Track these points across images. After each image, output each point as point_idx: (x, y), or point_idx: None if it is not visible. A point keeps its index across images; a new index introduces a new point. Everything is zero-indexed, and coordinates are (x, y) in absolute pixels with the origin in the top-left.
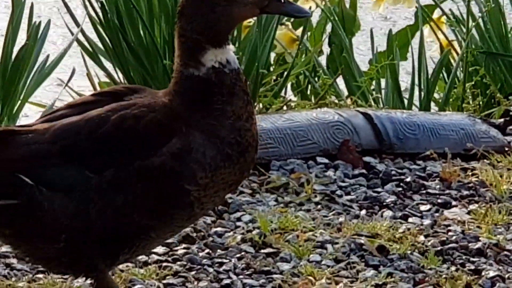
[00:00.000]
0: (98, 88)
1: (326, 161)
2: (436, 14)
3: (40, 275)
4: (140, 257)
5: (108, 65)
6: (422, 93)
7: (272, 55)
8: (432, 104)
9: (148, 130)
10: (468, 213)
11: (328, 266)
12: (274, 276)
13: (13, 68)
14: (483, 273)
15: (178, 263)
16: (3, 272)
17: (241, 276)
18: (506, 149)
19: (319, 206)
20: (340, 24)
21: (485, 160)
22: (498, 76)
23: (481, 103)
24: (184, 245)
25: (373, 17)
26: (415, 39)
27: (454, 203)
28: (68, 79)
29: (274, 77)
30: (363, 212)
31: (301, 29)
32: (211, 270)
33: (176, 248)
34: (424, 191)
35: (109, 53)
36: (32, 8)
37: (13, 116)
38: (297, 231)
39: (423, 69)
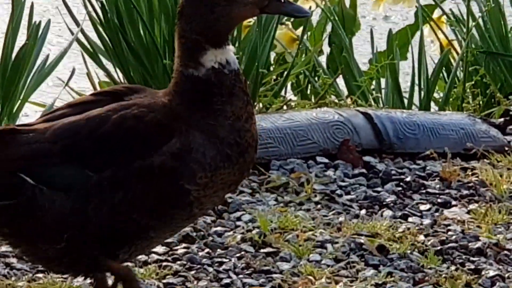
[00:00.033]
0: (98, 88)
1: (326, 160)
2: (436, 13)
3: (40, 275)
4: (139, 256)
5: (108, 64)
6: (422, 93)
7: (272, 54)
8: (432, 103)
9: (148, 130)
10: (468, 212)
11: (328, 266)
12: (274, 275)
13: (13, 67)
14: (483, 273)
15: (178, 262)
16: (3, 271)
17: (241, 276)
18: (506, 148)
19: (319, 206)
20: (340, 24)
21: (485, 160)
22: (498, 76)
23: (481, 102)
24: (184, 245)
25: (374, 16)
26: (415, 39)
27: (454, 202)
28: (68, 78)
29: (274, 77)
30: (363, 211)
31: (301, 28)
32: (211, 269)
33: (176, 248)
34: (424, 191)
35: (109, 52)
36: (32, 7)
37: (13, 115)
38: (297, 231)
39: (423, 68)
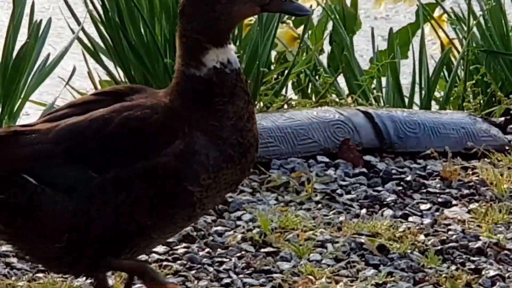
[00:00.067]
0: (99, 87)
1: (327, 160)
2: (437, 12)
3: (40, 274)
4: (140, 256)
5: (109, 63)
6: (423, 92)
7: (273, 53)
8: (433, 102)
9: (152, 131)
10: (469, 212)
11: (328, 265)
12: (274, 275)
13: (14, 66)
14: (483, 272)
15: (178, 262)
16: (3, 271)
17: (241, 275)
18: (507, 148)
19: (319, 205)
20: (341, 23)
21: (485, 159)
22: (499, 75)
23: (481, 101)
24: (184, 244)
25: (375, 16)
26: (416, 38)
27: (454, 202)
28: (69, 77)
29: (275, 76)
30: (364, 211)
31: (302, 27)
32: (211, 269)
33: (176, 247)
34: (424, 190)
35: (110, 51)
36: (33, 6)
37: (13, 114)
38: (298, 230)
39: (424, 67)
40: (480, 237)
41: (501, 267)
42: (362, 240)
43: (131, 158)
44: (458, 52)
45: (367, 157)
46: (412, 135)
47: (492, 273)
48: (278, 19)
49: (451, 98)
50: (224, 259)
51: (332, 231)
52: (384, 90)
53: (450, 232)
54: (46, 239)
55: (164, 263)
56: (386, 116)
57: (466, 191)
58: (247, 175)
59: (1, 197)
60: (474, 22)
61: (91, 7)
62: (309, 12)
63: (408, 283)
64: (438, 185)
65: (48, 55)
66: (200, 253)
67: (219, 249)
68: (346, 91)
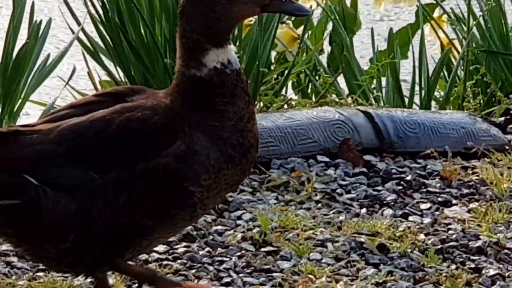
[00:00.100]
0: (99, 87)
1: (327, 159)
2: (437, 12)
3: (41, 274)
4: (140, 255)
5: (109, 63)
6: (423, 92)
7: (273, 53)
8: (433, 102)
9: (153, 132)
10: (469, 211)
11: (329, 265)
12: (275, 274)
13: (14, 66)
14: (483, 272)
15: (179, 261)
16: (4, 270)
17: (241, 275)
18: (507, 147)
19: (319, 205)
20: (341, 23)
21: (485, 159)
22: (498, 75)
23: (481, 101)
24: (184, 244)
25: (374, 15)
26: (416, 38)
27: (454, 201)
28: (69, 77)
29: (275, 76)
30: (364, 210)
31: (302, 27)
32: (211, 268)
33: (176, 247)
34: (424, 190)
35: (110, 51)
36: (33, 6)
37: (13, 114)
38: (298, 230)
39: (424, 67)
40: (480, 237)
41: (501, 266)
42: (362, 240)
43: (132, 159)
44: (458, 52)
45: (367, 157)
46: (412, 135)
47: (492, 272)
48: (278, 20)
49: (451, 98)
50: (224, 258)
51: (332, 230)
52: (384, 90)
53: (450, 232)
54: (48, 240)
55: (164, 262)
56: (386, 116)
57: (466, 191)
58: (247, 175)
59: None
60: (474, 22)
61: (91, 7)
62: (309, 13)
63: (408, 282)
64: (438, 185)
65: (48, 55)
66: (200, 252)
67: (219, 248)
68: (346, 91)
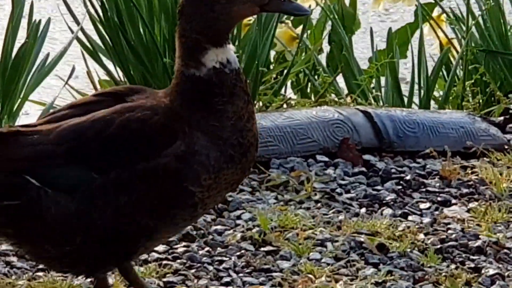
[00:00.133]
0: (98, 86)
1: (326, 159)
2: (436, 12)
3: (40, 273)
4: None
5: (108, 63)
6: (422, 91)
7: (272, 53)
8: (432, 102)
9: (153, 133)
10: (468, 211)
11: (328, 264)
12: (274, 274)
13: (13, 66)
14: (482, 271)
15: (178, 261)
16: (3, 270)
17: (241, 274)
18: (506, 147)
19: (319, 204)
20: (340, 22)
21: (484, 158)
22: (497, 74)
23: (480, 101)
24: (184, 243)
25: (373, 15)
26: (415, 37)
27: (453, 201)
28: (68, 77)
29: (274, 75)
30: (363, 210)
31: (301, 27)
32: (211, 268)
33: (176, 246)
34: (423, 189)
35: (109, 51)
36: (32, 6)
37: (13, 114)
38: (297, 229)
39: (423, 67)
40: (479, 236)
41: (500, 266)
42: (362, 239)
43: (132, 159)
44: (457, 51)
45: (366, 157)
46: (411, 135)
47: (491, 272)
48: (277, 19)
49: (450, 98)
50: (224, 258)
51: (331, 230)
52: (383, 89)
53: (449, 231)
54: (49, 240)
55: (164, 262)
56: (385, 115)
57: (465, 190)
58: (247, 175)
59: (4, 203)
60: (473, 22)
61: (90, 7)
62: (308, 12)
63: (408, 282)
64: (438, 184)
65: (48, 54)
66: (200, 252)
67: (218, 248)
68: (345, 91)
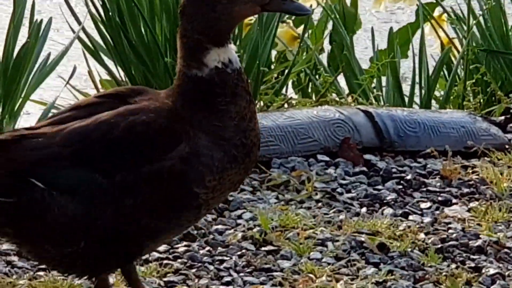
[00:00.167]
0: (99, 86)
1: (327, 158)
2: (437, 12)
3: (41, 273)
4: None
5: (109, 63)
6: (423, 91)
7: (273, 53)
8: (433, 102)
9: (158, 135)
10: (469, 210)
11: (329, 264)
12: (275, 273)
13: (14, 66)
14: (483, 271)
15: (179, 260)
16: (4, 269)
17: (241, 274)
18: (507, 146)
19: (319, 204)
20: (341, 22)
21: (485, 158)
22: (498, 74)
23: (481, 101)
24: (185, 243)
25: (374, 15)
26: (416, 37)
27: (454, 200)
28: (69, 77)
29: (275, 75)
30: (364, 209)
31: (302, 27)
32: (211, 267)
33: (177, 246)
34: (424, 189)
35: (110, 51)
36: (34, 6)
37: (14, 114)
38: (298, 229)
39: (424, 67)
40: (480, 236)
41: (501, 265)
42: (363, 239)
43: (137, 162)
44: (458, 51)
45: (367, 156)
46: (412, 134)
47: (492, 271)
48: (278, 19)
49: (451, 97)
50: (225, 258)
51: (332, 229)
52: (384, 89)
53: (450, 231)
54: (52, 242)
55: (165, 261)
56: (386, 115)
57: (466, 190)
58: (249, 174)
59: (8, 200)
60: (474, 21)
61: (91, 6)
62: (309, 12)
63: (408, 282)
64: (438, 184)
65: (49, 54)
66: (201, 252)
67: (219, 248)
68: (346, 90)
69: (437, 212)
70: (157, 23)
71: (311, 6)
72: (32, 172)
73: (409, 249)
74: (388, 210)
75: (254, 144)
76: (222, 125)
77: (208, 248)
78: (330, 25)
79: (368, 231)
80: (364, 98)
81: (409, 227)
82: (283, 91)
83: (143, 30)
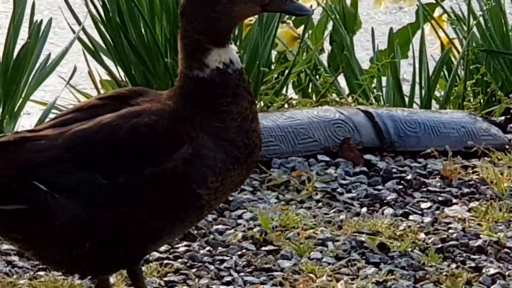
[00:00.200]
0: (99, 86)
1: (327, 159)
2: (437, 12)
3: (42, 273)
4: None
5: (109, 63)
6: (423, 91)
7: (274, 53)
8: (433, 102)
9: (161, 137)
10: (469, 210)
11: (329, 264)
12: (275, 273)
13: (14, 66)
14: (483, 271)
15: (179, 260)
16: (5, 269)
17: (242, 274)
18: (507, 147)
19: (320, 204)
20: (341, 22)
21: (485, 158)
22: (498, 74)
23: (481, 101)
24: (185, 243)
25: (374, 15)
26: (416, 37)
27: (454, 200)
28: (69, 77)
29: (275, 75)
30: (364, 209)
31: (302, 27)
32: (212, 267)
33: (177, 246)
34: (424, 189)
35: (110, 51)
36: (34, 6)
37: (14, 114)
38: (298, 229)
39: (424, 67)
40: (480, 236)
41: (501, 265)
42: (363, 239)
43: (140, 164)
44: (458, 51)
45: (367, 156)
46: (413, 134)
47: (492, 271)
48: (278, 19)
49: (451, 98)
50: (225, 258)
51: (332, 229)
52: (384, 89)
53: (450, 231)
54: (56, 245)
55: (165, 261)
56: (386, 115)
57: (466, 190)
58: (250, 174)
59: (11, 203)
60: (474, 22)
61: (91, 7)
62: (309, 12)
63: (409, 281)
64: (439, 184)
65: (49, 54)
66: (201, 252)
67: (220, 248)
68: (347, 91)
69: (438, 212)
70: (157, 23)
71: (311, 6)
72: (35, 174)
73: (410, 249)
74: (389, 210)
75: (256, 145)
76: (224, 126)
77: (208, 248)
78: (330, 25)
79: (369, 231)
80: (364, 98)
81: (409, 227)
82: (283, 91)
83: (143, 30)
